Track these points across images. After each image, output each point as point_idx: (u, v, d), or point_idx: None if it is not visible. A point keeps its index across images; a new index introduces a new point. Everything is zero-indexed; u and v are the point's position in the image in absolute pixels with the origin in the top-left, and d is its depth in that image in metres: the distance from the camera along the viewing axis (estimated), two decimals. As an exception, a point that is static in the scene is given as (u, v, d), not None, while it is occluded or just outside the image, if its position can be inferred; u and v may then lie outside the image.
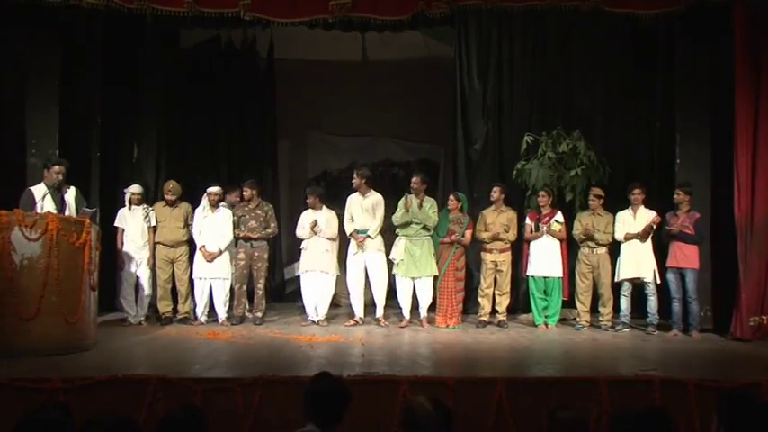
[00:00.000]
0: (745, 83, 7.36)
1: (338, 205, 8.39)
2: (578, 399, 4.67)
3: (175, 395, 4.64)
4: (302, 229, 8.17)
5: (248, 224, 8.11)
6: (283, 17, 7.77)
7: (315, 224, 8.03)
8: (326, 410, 2.99)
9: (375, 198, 8.14)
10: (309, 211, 8.22)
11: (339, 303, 8.97)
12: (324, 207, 8.22)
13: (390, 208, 8.28)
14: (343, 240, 8.32)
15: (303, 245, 8.17)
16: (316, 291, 8.06)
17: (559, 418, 2.79)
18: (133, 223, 7.92)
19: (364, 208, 8.07)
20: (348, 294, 8.27)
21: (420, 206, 7.94)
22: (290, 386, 4.59)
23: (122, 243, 7.88)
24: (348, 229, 8.12)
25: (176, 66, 9.84)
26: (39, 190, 6.81)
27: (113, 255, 7.79)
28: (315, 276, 8.04)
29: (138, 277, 7.91)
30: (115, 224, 7.94)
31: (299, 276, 8.40)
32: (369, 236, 7.99)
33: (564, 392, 4.81)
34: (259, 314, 8.11)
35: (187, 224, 8.10)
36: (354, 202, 8.15)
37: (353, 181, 8.17)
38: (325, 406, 3.00)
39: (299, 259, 8.61)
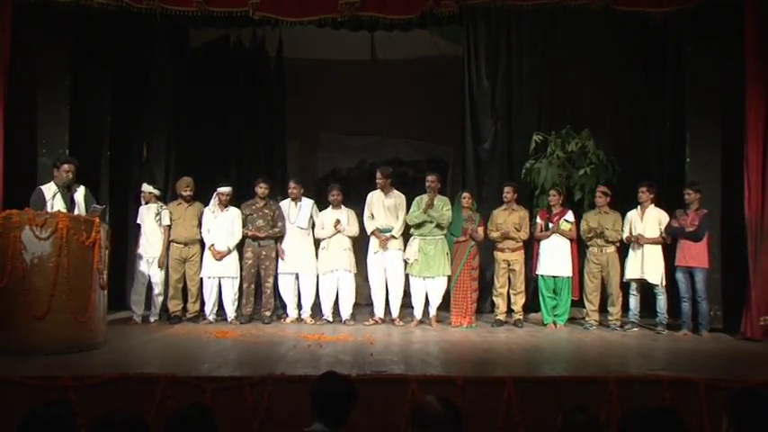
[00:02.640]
0: (756, 82, 7.31)
1: (347, 204, 8.35)
2: (587, 398, 4.64)
3: (185, 393, 4.66)
4: (322, 228, 8.12)
5: (256, 223, 8.11)
6: (292, 17, 7.77)
7: (338, 223, 8.01)
8: (333, 409, 2.99)
9: (398, 197, 8.11)
10: (329, 209, 8.20)
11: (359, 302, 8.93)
12: (342, 205, 8.21)
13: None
14: (360, 239, 8.27)
15: (323, 245, 8.09)
16: (334, 290, 8.04)
17: (574, 420, 2.76)
18: (148, 221, 7.97)
19: (386, 206, 8.04)
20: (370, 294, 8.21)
21: (432, 205, 7.88)
22: (298, 385, 4.59)
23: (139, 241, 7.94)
24: (369, 227, 8.07)
25: (185, 65, 9.84)
26: (49, 189, 6.82)
27: (124, 253, 7.82)
28: (336, 275, 8.03)
29: (149, 276, 7.94)
30: (137, 221, 8.01)
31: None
32: (393, 236, 7.97)
33: (573, 392, 4.79)
34: (267, 313, 8.11)
35: (200, 223, 8.11)
36: (376, 200, 8.10)
37: (378, 181, 8.13)
38: (331, 405, 3.00)
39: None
